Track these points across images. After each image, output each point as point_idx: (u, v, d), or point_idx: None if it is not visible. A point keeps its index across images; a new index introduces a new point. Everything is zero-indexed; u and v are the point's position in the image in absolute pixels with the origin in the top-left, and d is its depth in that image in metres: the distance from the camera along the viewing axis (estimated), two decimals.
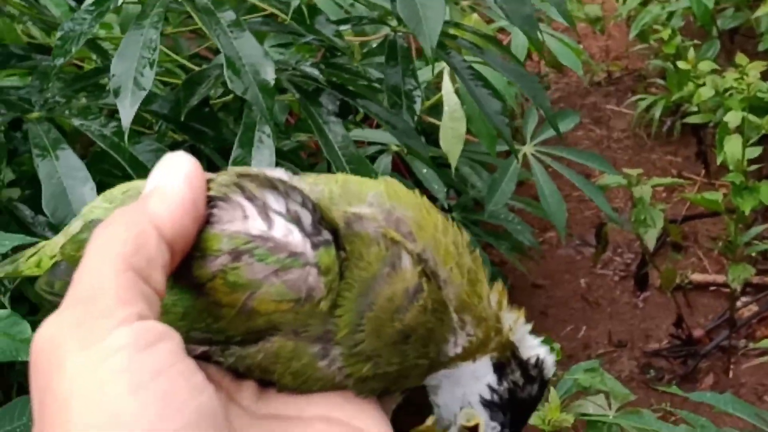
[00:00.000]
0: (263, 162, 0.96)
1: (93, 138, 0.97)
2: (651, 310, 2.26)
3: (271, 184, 0.41)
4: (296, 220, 0.40)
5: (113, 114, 0.98)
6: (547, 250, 2.42)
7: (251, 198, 0.41)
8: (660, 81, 2.79)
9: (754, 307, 2.19)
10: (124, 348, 0.34)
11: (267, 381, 0.41)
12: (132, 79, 0.95)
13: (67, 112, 1.01)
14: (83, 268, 0.37)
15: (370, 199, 0.42)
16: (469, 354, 0.42)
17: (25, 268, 0.49)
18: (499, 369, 0.43)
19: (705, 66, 2.33)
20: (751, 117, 1.89)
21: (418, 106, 1.10)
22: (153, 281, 0.37)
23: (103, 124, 1.00)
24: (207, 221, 0.40)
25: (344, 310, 0.40)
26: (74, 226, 0.47)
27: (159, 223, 0.39)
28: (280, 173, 0.43)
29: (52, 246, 0.48)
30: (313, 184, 0.43)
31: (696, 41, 2.71)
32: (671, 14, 2.79)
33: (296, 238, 0.40)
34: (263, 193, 0.41)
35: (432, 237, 0.42)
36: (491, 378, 0.43)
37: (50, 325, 0.36)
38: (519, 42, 1.91)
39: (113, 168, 1.06)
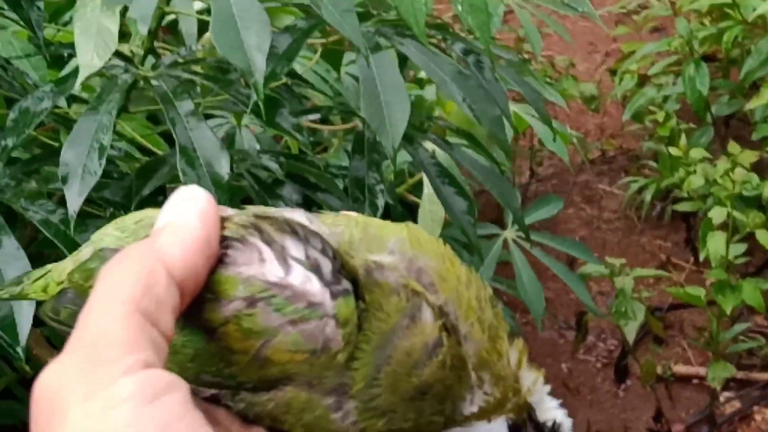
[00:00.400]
0: None
1: (36, 225, 0.94)
2: (632, 400, 2.21)
3: (291, 229, 0.40)
4: (315, 268, 0.39)
5: (64, 200, 0.95)
6: (530, 332, 2.37)
7: (269, 242, 0.39)
8: (653, 163, 2.77)
9: (737, 404, 2.14)
10: (130, 399, 0.33)
11: (277, 430, 0.40)
12: (82, 165, 0.92)
13: (12, 196, 0.97)
14: (89, 309, 0.35)
15: (391, 246, 0.41)
16: (485, 413, 0.41)
17: (30, 291, 0.47)
18: (515, 431, 0.42)
19: (696, 153, 2.31)
20: (737, 214, 1.86)
21: (380, 202, 1.06)
22: (161, 325, 0.36)
23: (51, 210, 0.96)
24: (220, 261, 0.39)
25: (361, 363, 0.39)
26: (84, 253, 0.45)
27: (170, 263, 0.37)
28: (299, 216, 0.41)
29: (60, 271, 0.46)
30: (332, 225, 0.41)
31: (691, 125, 2.69)
32: (666, 98, 2.77)
33: (315, 287, 0.38)
34: (282, 238, 0.39)
35: (454, 290, 0.41)
36: None
37: (53, 370, 0.34)
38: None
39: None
